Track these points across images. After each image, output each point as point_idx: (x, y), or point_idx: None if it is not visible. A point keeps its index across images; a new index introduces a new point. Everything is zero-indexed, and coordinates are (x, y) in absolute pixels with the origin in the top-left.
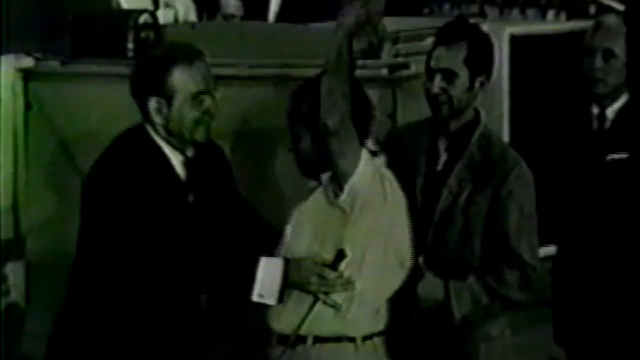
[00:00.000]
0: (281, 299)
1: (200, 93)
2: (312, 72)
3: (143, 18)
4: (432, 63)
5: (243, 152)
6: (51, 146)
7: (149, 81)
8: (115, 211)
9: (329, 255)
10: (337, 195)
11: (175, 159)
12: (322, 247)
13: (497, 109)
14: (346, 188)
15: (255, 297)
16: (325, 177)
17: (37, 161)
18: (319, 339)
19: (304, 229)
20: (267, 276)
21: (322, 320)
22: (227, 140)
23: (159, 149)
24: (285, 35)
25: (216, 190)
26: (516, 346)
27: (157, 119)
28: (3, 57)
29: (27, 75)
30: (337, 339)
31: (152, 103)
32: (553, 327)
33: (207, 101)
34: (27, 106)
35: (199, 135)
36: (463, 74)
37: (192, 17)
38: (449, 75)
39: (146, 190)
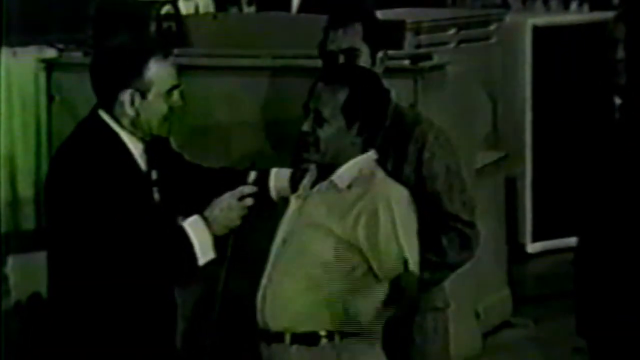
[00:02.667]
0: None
1: (174, 87)
2: None
3: (165, 9)
4: (333, 47)
5: (266, 141)
6: None
7: (123, 73)
8: (77, 209)
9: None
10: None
11: (135, 149)
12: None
13: (519, 99)
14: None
15: (201, 261)
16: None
17: None
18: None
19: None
20: (198, 236)
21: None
22: (249, 129)
23: (119, 140)
24: (307, 26)
25: (173, 170)
26: (539, 337)
27: (130, 112)
28: (25, 49)
29: (50, 67)
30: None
31: (126, 96)
32: (575, 319)
33: (176, 96)
34: (50, 98)
35: (164, 130)
36: (365, 51)
37: (211, 7)
38: (352, 54)
39: (108, 185)
